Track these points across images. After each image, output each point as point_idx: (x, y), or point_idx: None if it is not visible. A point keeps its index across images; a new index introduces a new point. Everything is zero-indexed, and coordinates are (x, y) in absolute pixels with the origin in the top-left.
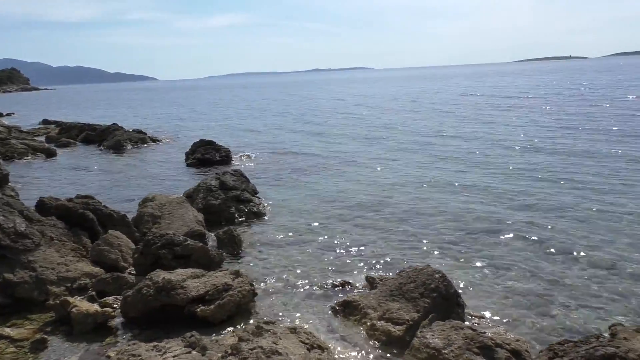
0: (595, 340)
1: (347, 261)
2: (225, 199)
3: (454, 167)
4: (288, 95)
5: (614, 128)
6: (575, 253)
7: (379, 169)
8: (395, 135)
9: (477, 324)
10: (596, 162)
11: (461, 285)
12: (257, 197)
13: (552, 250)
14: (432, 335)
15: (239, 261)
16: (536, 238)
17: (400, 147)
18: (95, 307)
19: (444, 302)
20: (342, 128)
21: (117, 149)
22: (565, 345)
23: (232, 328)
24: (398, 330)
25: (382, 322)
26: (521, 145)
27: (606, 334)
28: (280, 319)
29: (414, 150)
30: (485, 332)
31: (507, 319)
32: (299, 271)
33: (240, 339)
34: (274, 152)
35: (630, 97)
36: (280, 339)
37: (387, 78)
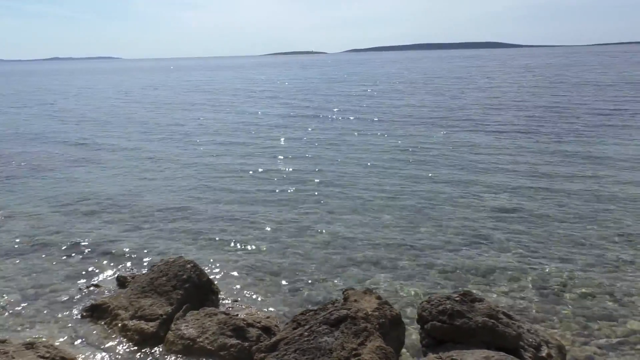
0: (331, 305)
1: (96, 262)
2: None
3: (259, 160)
4: None
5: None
6: (316, 230)
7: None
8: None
9: (231, 307)
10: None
11: (215, 271)
12: None
13: (295, 229)
14: (187, 325)
15: None
16: (281, 219)
17: (127, 145)
18: None
19: (198, 291)
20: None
21: None
22: (307, 314)
23: None
24: (151, 327)
25: (134, 321)
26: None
27: (341, 299)
28: (15, 334)
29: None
30: (237, 315)
31: (260, 298)
32: (40, 280)
33: None
34: None
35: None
36: (14, 357)
37: (119, 70)
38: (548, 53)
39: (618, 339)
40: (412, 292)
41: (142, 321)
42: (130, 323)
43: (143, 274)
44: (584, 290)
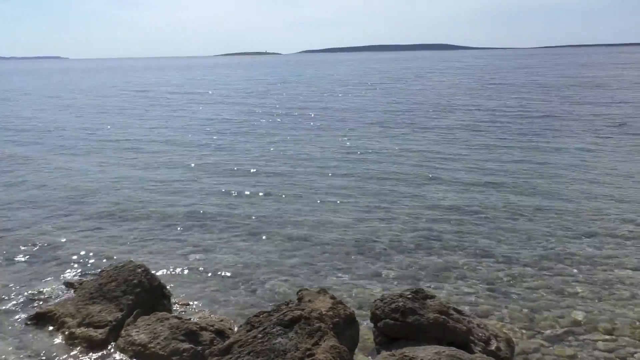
0: (285, 306)
1: (41, 268)
2: None
3: (209, 160)
4: None
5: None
6: (270, 231)
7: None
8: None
9: (184, 311)
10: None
11: (167, 275)
12: None
13: (248, 230)
14: (138, 331)
15: None
16: (234, 220)
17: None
18: None
19: (149, 296)
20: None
21: None
22: (261, 316)
23: None
24: (100, 334)
25: (82, 328)
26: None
27: (295, 300)
28: None
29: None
30: (190, 319)
31: (214, 301)
32: None
33: None
34: None
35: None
36: None
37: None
38: (497, 55)
39: (563, 330)
40: (366, 291)
41: (91, 328)
42: (78, 330)
43: (91, 279)
44: (530, 284)
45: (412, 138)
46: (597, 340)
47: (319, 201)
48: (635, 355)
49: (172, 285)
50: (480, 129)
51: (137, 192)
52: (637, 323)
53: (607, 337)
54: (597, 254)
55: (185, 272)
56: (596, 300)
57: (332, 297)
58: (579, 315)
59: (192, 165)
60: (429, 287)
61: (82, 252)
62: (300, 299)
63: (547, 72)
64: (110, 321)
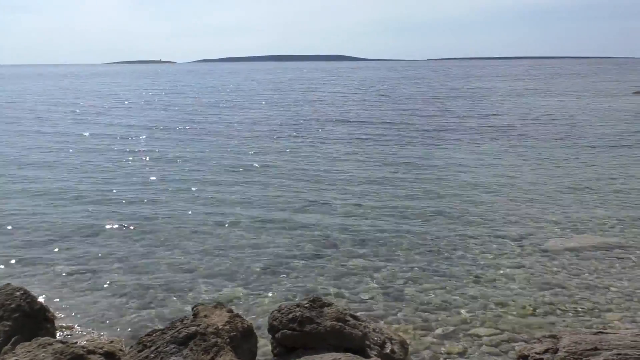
0: (180, 323)
1: None
2: None
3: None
4: None
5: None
6: (163, 245)
7: None
8: None
9: (70, 335)
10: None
11: (50, 296)
12: None
13: (141, 245)
14: (17, 359)
15: None
16: (124, 235)
17: None
18: None
19: (30, 321)
20: None
21: None
22: (154, 335)
23: None
24: None
25: None
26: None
27: (190, 316)
28: None
29: None
30: (76, 342)
31: (104, 321)
32: None
33: None
34: None
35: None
36: None
37: None
38: (389, 66)
39: (453, 328)
40: (265, 302)
41: None
42: None
43: None
44: (423, 285)
45: (299, 145)
46: (483, 336)
47: (215, 213)
48: (515, 347)
49: (55, 307)
50: (365, 137)
51: (14, 205)
52: (517, 317)
53: (492, 331)
54: (483, 254)
55: (71, 291)
56: (482, 299)
57: (230, 311)
58: (467, 313)
59: (86, 176)
60: (329, 294)
61: None
62: (195, 315)
63: (432, 83)
64: None
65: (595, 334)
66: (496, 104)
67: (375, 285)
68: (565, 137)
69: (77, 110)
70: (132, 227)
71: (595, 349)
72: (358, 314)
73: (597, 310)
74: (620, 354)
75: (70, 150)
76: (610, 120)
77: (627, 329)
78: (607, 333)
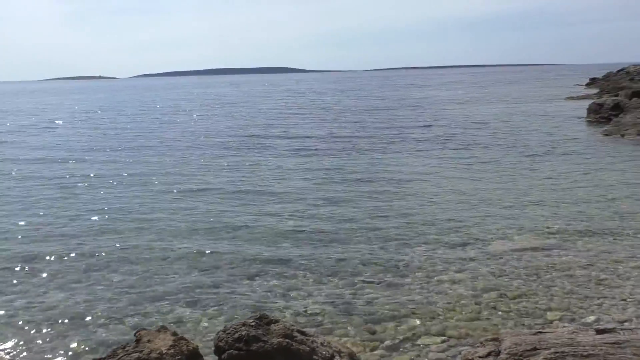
0: (121, 350)
1: None
2: None
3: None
4: None
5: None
6: (104, 267)
7: None
8: None
9: None
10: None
11: None
12: None
13: (80, 267)
14: None
15: None
16: (63, 256)
17: None
18: None
19: None
20: None
21: None
22: None
23: None
24: None
25: None
26: None
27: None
28: None
29: None
30: None
31: (40, 352)
32: None
33: None
34: None
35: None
36: None
37: None
38: (334, 78)
39: (401, 337)
40: (213, 323)
41: None
42: None
43: None
44: (371, 296)
45: (239, 162)
46: (430, 344)
47: (154, 235)
48: (462, 352)
49: None
50: (309, 150)
51: None
52: (463, 322)
53: (439, 339)
54: (429, 261)
55: (5, 319)
56: (429, 305)
57: (174, 334)
58: (415, 322)
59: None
60: (278, 308)
61: None
62: (138, 340)
63: (375, 93)
64: None
65: (535, 334)
66: (439, 112)
67: (323, 298)
68: (505, 142)
69: None
70: (72, 255)
71: (535, 349)
72: (306, 329)
73: (538, 310)
74: (557, 352)
75: None
76: (548, 125)
77: (564, 327)
78: (545, 332)
